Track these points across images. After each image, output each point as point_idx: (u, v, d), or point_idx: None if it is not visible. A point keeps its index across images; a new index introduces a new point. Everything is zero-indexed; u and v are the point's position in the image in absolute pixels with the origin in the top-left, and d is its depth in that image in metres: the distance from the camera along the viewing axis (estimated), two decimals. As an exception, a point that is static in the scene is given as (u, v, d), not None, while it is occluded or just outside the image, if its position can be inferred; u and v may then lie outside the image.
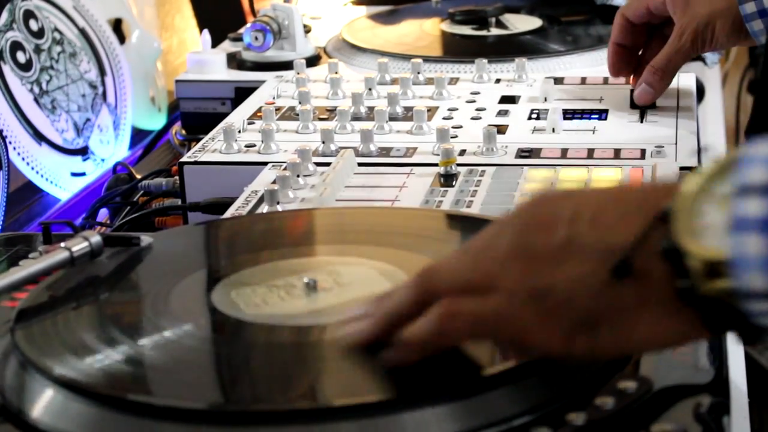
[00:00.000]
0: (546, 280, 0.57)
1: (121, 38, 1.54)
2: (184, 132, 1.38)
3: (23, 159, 1.27)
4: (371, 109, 1.18)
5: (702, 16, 1.11)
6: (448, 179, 0.99)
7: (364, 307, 0.64)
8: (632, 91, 1.17)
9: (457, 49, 1.45)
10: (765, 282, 0.51)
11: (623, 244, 0.55)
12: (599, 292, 0.56)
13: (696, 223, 0.53)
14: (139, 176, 1.22)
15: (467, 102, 1.22)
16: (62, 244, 0.76)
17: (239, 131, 1.15)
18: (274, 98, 1.27)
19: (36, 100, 1.31)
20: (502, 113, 1.18)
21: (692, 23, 1.11)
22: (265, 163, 1.06)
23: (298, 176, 1.00)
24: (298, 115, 1.18)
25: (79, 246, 0.76)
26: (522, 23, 1.48)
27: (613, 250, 0.55)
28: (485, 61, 1.30)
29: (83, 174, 1.36)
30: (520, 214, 0.60)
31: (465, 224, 0.85)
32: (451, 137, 1.09)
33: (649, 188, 0.58)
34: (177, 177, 1.12)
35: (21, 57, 1.31)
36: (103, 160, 1.41)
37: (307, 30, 1.45)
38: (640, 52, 1.20)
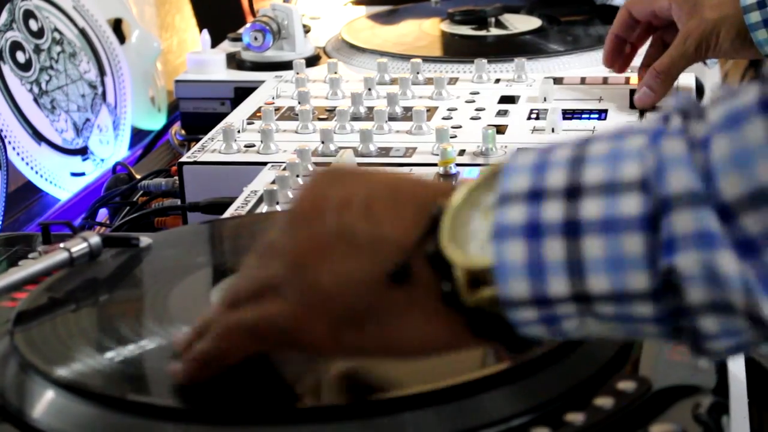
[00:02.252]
0: (311, 276, 0.55)
1: (121, 38, 1.54)
2: (183, 132, 1.38)
3: (23, 159, 1.27)
4: (371, 109, 1.18)
5: (708, 22, 1.11)
6: (447, 179, 1.00)
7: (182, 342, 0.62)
8: (632, 91, 1.17)
9: (456, 49, 1.45)
10: (526, 288, 0.50)
11: (398, 244, 0.54)
12: (368, 289, 0.54)
13: (460, 233, 0.52)
14: (138, 176, 1.22)
15: (467, 102, 1.22)
16: (61, 245, 0.76)
17: (239, 131, 1.15)
18: (273, 98, 1.27)
19: (35, 100, 1.31)
20: (502, 113, 1.18)
21: (698, 28, 1.11)
22: (264, 163, 1.06)
23: (297, 176, 1.00)
24: (297, 115, 1.18)
25: (78, 247, 0.76)
26: (521, 23, 1.48)
27: (385, 247, 0.54)
28: (485, 61, 1.30)
29: (83, 174, 1.36)
30: (294, 204, 0.58)
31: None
32: (451, 137, 1.09)
33: (425, 185, 0.57)
34: (176, 177, 1.12)
35: (21, 57, 1.31)
36: (102, 160, 1.41)
37: (306, 30, 1.45)
38: (630, 49, 1.22)
